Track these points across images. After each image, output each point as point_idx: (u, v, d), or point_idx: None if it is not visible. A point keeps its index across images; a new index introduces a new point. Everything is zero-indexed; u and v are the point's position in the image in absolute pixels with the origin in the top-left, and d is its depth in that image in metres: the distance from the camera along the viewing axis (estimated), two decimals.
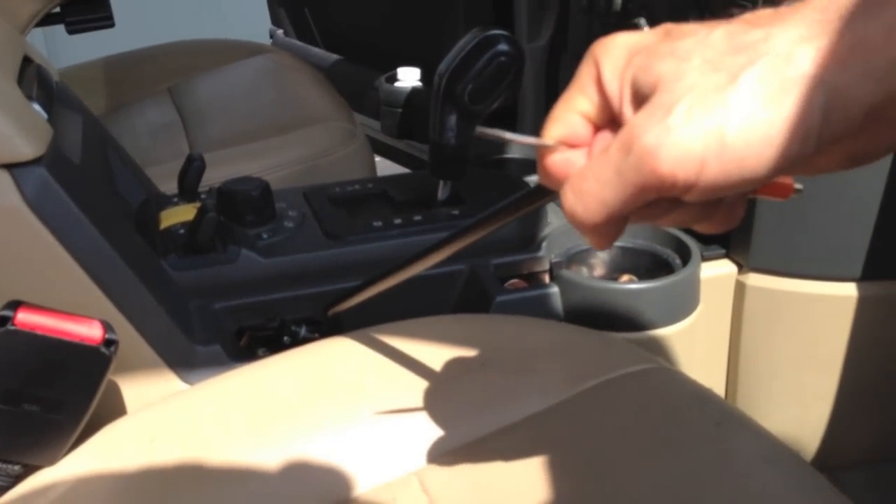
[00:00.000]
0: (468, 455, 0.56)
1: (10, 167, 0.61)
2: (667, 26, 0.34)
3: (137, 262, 0.69)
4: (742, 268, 0.86)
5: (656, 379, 0.62)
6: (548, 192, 0.38)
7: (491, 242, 0.84)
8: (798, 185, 0.36)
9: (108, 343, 0.56)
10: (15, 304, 0.54)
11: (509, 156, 1.09)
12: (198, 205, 0.83)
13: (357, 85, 1.54)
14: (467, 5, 1.39)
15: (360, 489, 0.55)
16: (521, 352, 0.65)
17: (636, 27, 0.88)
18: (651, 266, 0.85)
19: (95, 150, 0.80)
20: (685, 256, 0.83)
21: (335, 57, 1.71)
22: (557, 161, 0.36)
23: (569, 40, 1.08)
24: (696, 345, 0.84)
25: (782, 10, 0.31)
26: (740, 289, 0.85)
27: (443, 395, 0.61)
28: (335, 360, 0.66)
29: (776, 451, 0.55)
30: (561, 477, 0.53)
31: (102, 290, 0.65)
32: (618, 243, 0.87)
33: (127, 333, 0.67)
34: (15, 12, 1.27)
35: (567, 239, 0.87)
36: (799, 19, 0.30)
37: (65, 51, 2.09)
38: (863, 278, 0.81)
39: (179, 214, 0.84)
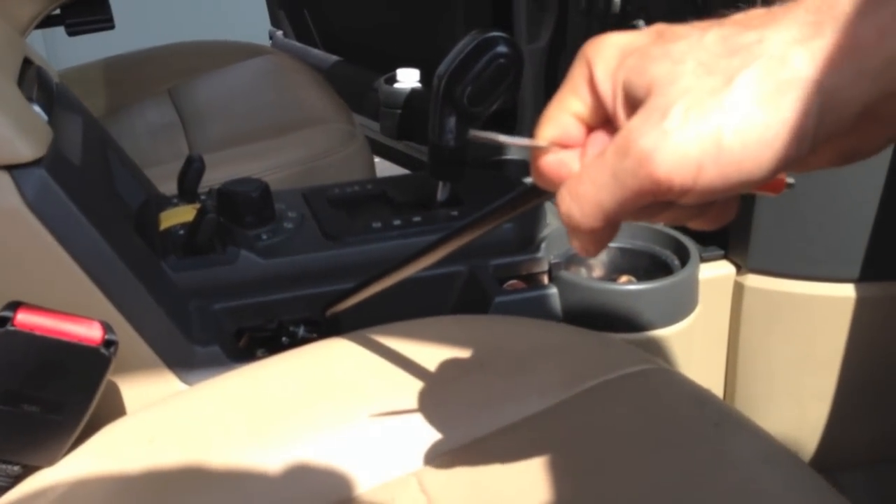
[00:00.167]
0: (467, 456, 0.56)
1: (10, 168, 0.61)
2: (659, 27, 0.34)
3: (137, 263, 0.69)
4: (740, 269, 0.86)
5: (655, 380, 0.62)
6: (542, 193, 0.38)
7: (490, 243, 0.85)
8: (790, 180, 0.37)
9: (108, 344, 0.56)
10: (15, 305, 0.54)
11: (508, 157, 1.09)
12: (197, 206, 0.84)
13: (356, 86, 1.54)
14: (466, 6, 1.39)
15: (358, 489, 0.56)
16: (519, 352, 0.65)
17: (635, 29, 0.88)
18: (650, 267, 0.85)
19: (95, 152, 0.80)
20: (684, 257, 0.83)
21: (334, 58, 1.71)
22: (551, 162, 0.36)
23: (568, 42, 1.09)
24: (694, 345, 0.84)
25: (775, 10, 0.31)
26: (739, 290, 0.85)
27: (442, 395, 0.61)
28: (334, 360, 0.66)
29: (775, 451, 0.55)
30: (559, 477, 0.53)
31: (102, 290, 0.65)
32: (616, 244, 0.87)
33: (126, 334, 0.67)
34: (15, 14, 1.27)
35: (566, 240, 0.87)
36: (791, 21, 0.30)
37: (64, 52, 2.10)
38: (861, 279, 0.81)
39: (179, 215, 0.84)
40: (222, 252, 0.79)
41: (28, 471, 0.58)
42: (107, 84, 1.51)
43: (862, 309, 0.82)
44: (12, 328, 0.53)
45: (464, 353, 0.65)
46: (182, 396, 0.65)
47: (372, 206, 0.92)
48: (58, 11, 1.39)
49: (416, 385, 0.61)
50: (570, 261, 0.86)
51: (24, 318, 0.54)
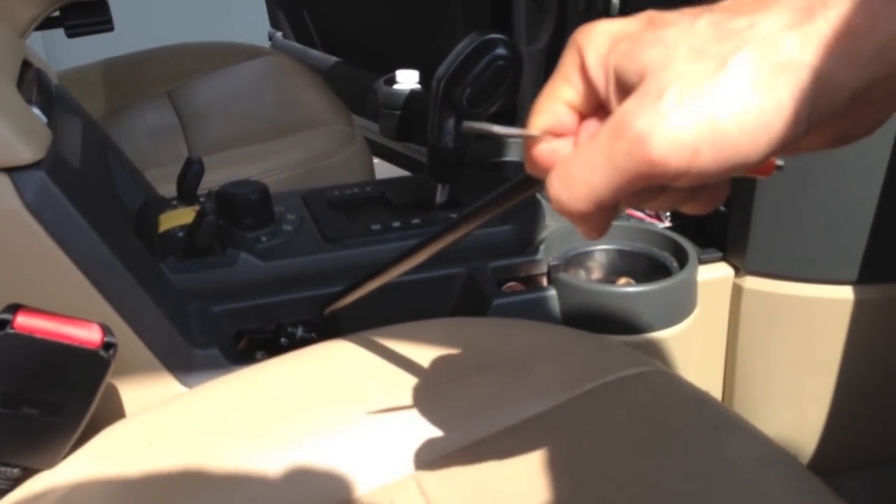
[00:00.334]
0: (466, 458, 0.57)
1: (9, 171, 0.61)
2: (649, 14, 0.34)
3: (136, 266, 0.69)
4: (739, 271, 0.86)
5: (653, 382, 0.62)
6: (536, 182, 0.38)
7: (488, 245, 0.85)
8: (780, 162, 0.37)
9: (107, 346, 0.56)
10: (14, 308, 0.54)
11: (507, 159, 1.09)
12: (197, 208, 0.84)
13: (356, 87, 1.54)
14: (465, 8, 1.39)
15: (357, 492, 0.56)
16: (518, 355, 0.65)
17: None
18: (648, 269, 0.85)
19: (95, 154, 0.80)
20: (682, 259, 0.83)
21: (334, 59, 1.71)
22: (544, 151, 0.36)
23: (567, 43, 1.09)
24: (693, 348, 0.84)
25: None
26: (737, 292, 0.85)
27: (440, 398, 0.61)
28: (333, 363, 0.66)
29: (773, 453, 0.55)
30: (558, 480, 0.53)
31: (101, 293, 0.65)
32: (615, 246, 0.87)
33: (126, 336, 0.67)
34: (14, 16, 1.27)
35: (565, 242, 0.87)
36: (782, 6, 0.30)
37: (64, 53, 2.10)
38: (859, 281, 0.81)
39: (178, 218, 0.84)
40: (221, 254, 0.80)
41: (27, 473, 0.58)
42: (106, 85, 1.52)
43: (860, 311, 0.82)
44: (12, 331, 0.53)
45: (462, 356, 0.65)
46: (181, 399, 0.65)
47: (371, 208, 0.92)
48: (57, 13, 1.40)
49: (415, 387, 0.61)
50: (569, 263, 0.86)
51: (23, 321, 0.54)
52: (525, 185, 0.41)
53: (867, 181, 0.78)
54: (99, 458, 0.58)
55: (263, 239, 0.82)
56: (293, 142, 1.22)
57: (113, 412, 0.68)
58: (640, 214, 0.94)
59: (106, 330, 0.56)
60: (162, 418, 0.62)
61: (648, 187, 0.33)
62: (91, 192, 0.71)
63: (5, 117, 0.61)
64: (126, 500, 0.55)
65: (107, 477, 0.56)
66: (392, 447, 0.58)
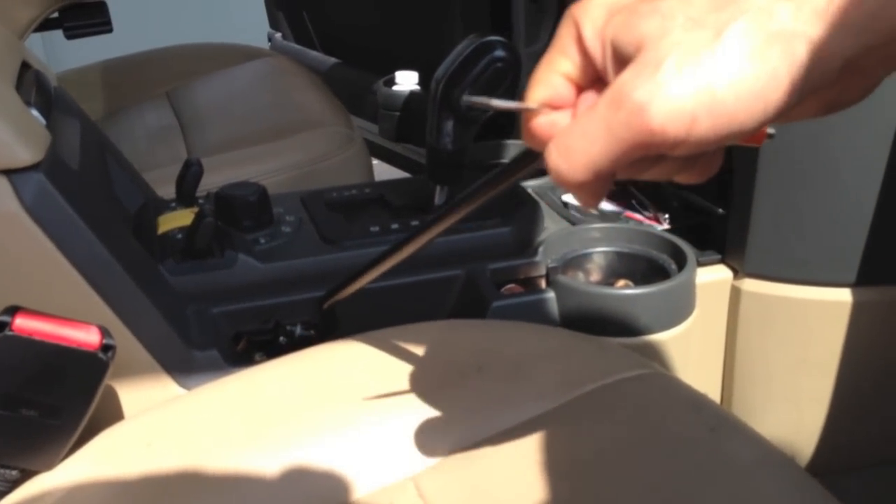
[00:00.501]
0: (464, 460, 0.57)
1: (8, 173, 0.61)
2: None
3: (135, 268, 0.69)
4: (737, 273, 0.86)
5: (651, 384, 0.62)
6: (536, 156, 0.39)
7: (487, 247, 0.85)
8: (771, 131, 0.37)
9: (106, 348, 0.56)
10: (13, 310, 0.54)
11: (506, 161, 1.09)
12: (195, 210, 0.84)
13: (355, 88, 1.54)
14: (464, 9, 1.40)
15: (356, 494, 0.56)
16: (516, 357, 0.65)
17: None
18: (647, 271, 0.85)
19: (93, 156, 0.80)
20: (681, 262, 0.83)
21: (333, 60, 1.71)
22: (542, 123, 0.36)
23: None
24: (691, 350, 0.84)
25: None
26: (736, 294, 0.86)
27: (439, 400, 0.61)
28: (332, 365, 0.66)
29: (770, 456, 0.55)
30: (556, 482, 0.53)
31: (100, 295, 0.65)
32: (614, 248, 0.88)
33: (124, 338, 0.67)
34: (13, 18, 1.28)
35: (563, 244, 0.87)
36: None
37: (64, 54, 2.10)
38: (857, 283, 0.81)
39: (177, 219, 0.84)
40: (220, 256, 0.80)
41: (26, 475, 0.58)
42: (105, 87, 1.52)
43: (858, 313, 0.82)
44: (10, 333, 0.53)
45: (461, 358, 0.65)
46: (180, 401, 0.65)
47: (370, 209, 0.92)
48: (56, 15, 1.40)
49: (414, 389, 0.61)
50: (568, 265, 0.86)
51: (22, 323, 0.54)
52: (525, 159, 0.41)
53: (865, 184, 0.78)
54: (97, 459, 0.58)
55: (262, 240, 0.82)
56: (292, 143, 1.22)
57: (111, 414, 0.68)
58: (639, 217, 0.94)
59: (104, 332, 0.56)
60: (160, 420, 0.62)
61: (646, 157, 0.33)
62: (90, 194, 0.71)
63: (4, 119, 0.61)
64: (125, 502, 0.55)
65: (105, 479, 0.56)
66: (391, 449, 0.58)
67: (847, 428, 0.88)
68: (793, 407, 0.87)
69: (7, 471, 0.57)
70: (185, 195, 0.88)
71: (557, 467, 0.54)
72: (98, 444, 0.59)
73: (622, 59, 0.33)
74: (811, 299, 0.83)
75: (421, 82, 1.36)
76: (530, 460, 0.55)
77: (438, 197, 0.89)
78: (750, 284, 0.84)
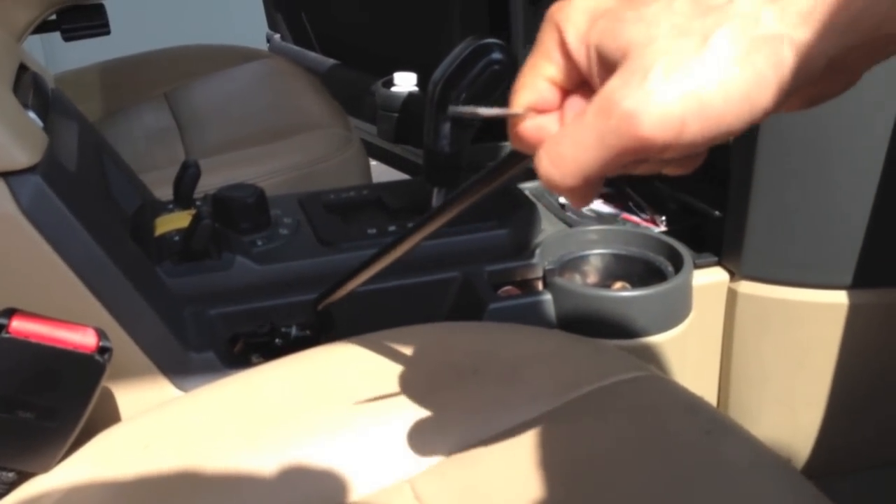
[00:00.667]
0: (461, 462, 0.57)
1: (5, 175, 0.61)
2: None
3: (132, 270, 0.69)
4: (734, 275, 0.86)
5: (647, 387, 0.62)
6: (523, 157, 0.39)
7: (484, 249, 0.85)
8: None
9: (102, 351, 0.56)
10: (9, 312, 0.54)
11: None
12: (193, 211, 0.84)
13: (354, 89, 1.54)
14: (463, 10, 1.40)
15: (352, 496, 0.56)
16: (513, 359, 0.65)
17: None
18: (644, 273, 0.86)
19: (91, 158, 0.80)
20: (677, 264, 0.83)
21: (332, 61, 1.71)
22: (529, 127, 0.37)
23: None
24: (688, 352, 0.84)
25: None
26: (732, 296, 0.86)
27: (436, 402, 0.61)
28: (328, 367, 0.66)
29: (765, 458, 0.55)
30: (552, 484, 0.53)
31: (97, 297, 0.65)
32: (611, 251, 0.88)
33: (121, 340, 0.67)
34: (11, 20, 1.28)
35: (560, 246, 0.87)
36: None
37: (63, 55, 2.10)
38: (853, 286, 0.81)
39: (174, 221, 0.84)
40: (217, 258, 0.80)
41: (23, 477, 0.58)
42: (103, 88, 1.52)
43: (855, 316, 0.82)
44: (7, 335, 0.53)
45: (458, 360, 0.65)
46: (177, 403, 0.66)
47: (367, 211, 0.92)
48: (54, 17, 1.40)
49: (410, 392, 0.61)
50: (565, 267, 0.86)
51: (18, 326, 0.54)
52: (513, 161, 0.42)
53: (861, 186, 0.78)
54: (94, 461, 0.58)
55: (259, 243, 0.83)
56: (290, 145, 1.22)
57: (108, 416, 0.68)
58: (635, 219, 0.94)
59: (101, 334, 0.56)
60: (157, 422, 0.62)
61: (635, 159, 0.34)
62: (87, 196, 0.71)
63: (1, 121, 0.61)
64: None
65: (102, 481, 0.56)
66: (387, 451, 0.58)
67: (843, 430, 0.88)
68: (789, 409, 0.88)
69: (3, 473, 0.57)
70: (183, 197, 0.88)
71: (553, 469, 0.54)
72: (95, 447, 0.59)
73: (608, 65, 0.33)
74: (807, 302, 0.83)
75: (419, 84, 1.36)
76: (526, 462, 0.55)
77: (436, 199, 0.89)
78: (746, 287, 0.85)
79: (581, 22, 0.34)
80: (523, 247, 0.87)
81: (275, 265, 0.81)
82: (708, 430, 0.57)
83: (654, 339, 0.81)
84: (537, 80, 0.36)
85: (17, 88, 0.71)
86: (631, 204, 0.98)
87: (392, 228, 0.85)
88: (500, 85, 0.82)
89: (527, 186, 1.01)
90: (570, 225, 0.93)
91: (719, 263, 0.87)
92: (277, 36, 1.91)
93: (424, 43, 1.47)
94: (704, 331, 0.87)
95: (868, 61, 0.33)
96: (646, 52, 0.31)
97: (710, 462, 0.55)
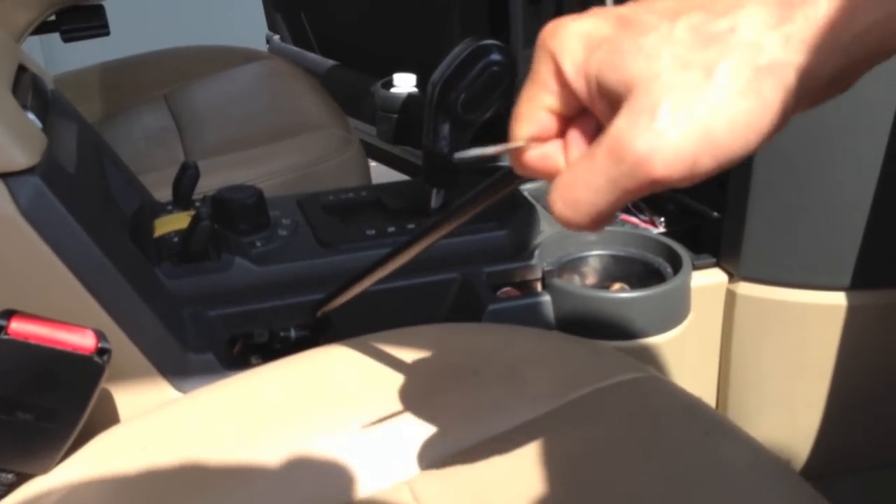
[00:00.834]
0: (460, 464, 0.57)
1: (4, 176, 0.61)
2: (619, 12, 0.34)
3: (131, 271, 0.69)
4: (733, 277, 0.86)
5: (646, 388, 0.62)
6: (518, 178, 0.39)
7: (483, 251, 0.85)
8: None
9: (101, 352, 0.56)
10: (8, 314, 0.54)
11: (502, 164, 1.09)
12: (192, 213, 0.84)
13: (353, 90, 1.54)
14: (462, 11, 1.40)
15: (351, 497, 0.56)
16: (512, 361, 0.65)
17: None
18: (642, 275, 0.86)
19: (90, 159, 0.80)
20: (676, 265, 0.83)
21: (331, 62, 1.71)
22: (534, 157, 0.36)
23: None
24: (686, 353, 0.84)
25: None
26: (731, 298, 0.86)
27: (434, 403, 0.61)
28: (327, 368, 0.66)
29: (764, 459, 0.55)
30: (551, 485, 0.53)
31: (96, 298, 0.65)
32: (609, 252, 0.88)
33: (120, 342, 0.67)
34: (10, 21, 1.28)
35: (559, 247, 0.87)
36: (759, 5, 0.31)
37: (62, 56, 2.10)
38: (852, 287, 0.82)
39: (173, 222, 0.84)
40: (217, 259, 0.80)
41: (22, 479, 0.58)
42: (103, 89, 1.52)
43: (853, 317, 0.82)
44: (6, 337, 0.54)
45: (457, 361, 0.65)
46: (176, 404, 0.66)
47: (366, 212, 0.92)
48: (53, 18, 1.40)
49: (409, 393, 0.61)
50: (564, 268, 0.86)
51: (17, 327, 0.54)
52: (508, 180, 0.42)
53: (860, 187, 0.78)
54: (93, 463, 0.58)
55: (258, 244, 0.83)
56: (289, 146, 1.22)
57: (107, 417, 0.68)
58: (634, 220, 0.95)
59: (100, 335, 0.57)
60: (156, 423, 0.62)
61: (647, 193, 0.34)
62: (86, 197, 0.71)
63: (0, 122, 0.61)
64: None
65: (101, 482, 0.56)
66: (386, 452, 0.58)
67: (842, 431, 0.88)
68: (788, 410, 0.88)
69: (2, 474, 0.57)
70: (182, 198, 0.88)
71: (552, 471, 0.54)
72: (94, 448, 0.60)
73: (610, 98, 0.33)
74: (806, 303, 0.83)
75: (419, 85, 1.36)
76: (525, 464, 0.55)
77: (434, 200, 0.89)
78: (745, 288, 0.85)
79: (577, 51, 0.34)
80: (522, 248, 0.87)
81: (274, 266, 0.81)
82: (707, 431, 0.57)
83: (653, 341, 0.81)
84: (536, 110, 0.36)
85: (16, 89, 0.71)
86: (630, 205, 0.98)
87: (391, 229, 0.85)
88: (499, 86, 0.82)
89: (526, 188, 1.01)
90: None
91: (718, 265, 0.87)
92: (277, 37, 1.91)
93: (424, 44, 1.47)
94: (703, 332, 0.87)
95: (869, 66, 0.33)
96: (651, 88, 0.31)
97: (709, 463, 0.55)
